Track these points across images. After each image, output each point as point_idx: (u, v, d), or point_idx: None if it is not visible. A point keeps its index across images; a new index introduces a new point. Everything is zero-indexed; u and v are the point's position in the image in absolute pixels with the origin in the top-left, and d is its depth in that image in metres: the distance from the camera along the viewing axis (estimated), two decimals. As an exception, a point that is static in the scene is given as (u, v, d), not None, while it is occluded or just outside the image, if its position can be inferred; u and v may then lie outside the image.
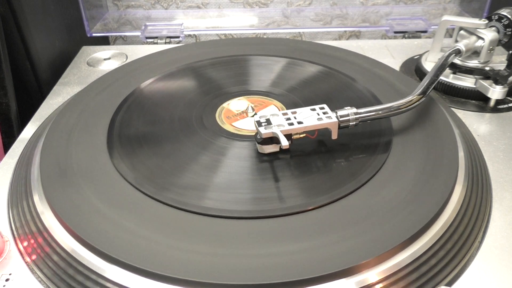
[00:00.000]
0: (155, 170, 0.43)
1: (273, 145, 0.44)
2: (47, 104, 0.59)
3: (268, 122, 0.43)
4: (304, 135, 0.44)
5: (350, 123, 0.44)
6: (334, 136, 0.44)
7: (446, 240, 0.37)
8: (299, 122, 0.43)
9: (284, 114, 0.44)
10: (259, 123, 0.43)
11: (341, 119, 0.44)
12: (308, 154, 0.44)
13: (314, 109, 0.45)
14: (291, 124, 0.43)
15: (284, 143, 0.41)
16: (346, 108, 0.45)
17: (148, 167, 0.43)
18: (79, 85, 0.63)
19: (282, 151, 0.44)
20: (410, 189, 0.40)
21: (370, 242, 0.35)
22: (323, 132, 0.45)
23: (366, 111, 0.45)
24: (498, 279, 0.35)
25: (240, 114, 0.51)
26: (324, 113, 0.44)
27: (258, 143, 0.44)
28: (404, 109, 0.46)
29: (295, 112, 0.44)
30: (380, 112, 0.45)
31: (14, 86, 0.61)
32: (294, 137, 0.44)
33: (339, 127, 0.44)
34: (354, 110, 0.44)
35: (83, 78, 0.65)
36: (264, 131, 0.42)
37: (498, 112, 0.55)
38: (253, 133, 0.46)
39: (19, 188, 0.43)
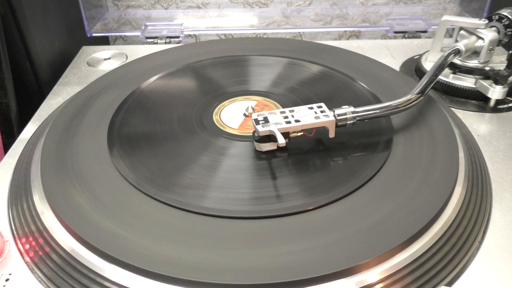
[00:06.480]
0: (155, 170, 0.43)
1: (271, 143, 0.44)
2: (47, 104, 0.59)
3: (266, 120, 0.43)
4: (302, 133, 0.44)
5: (348, 122, 0.44)
6: (331, 134, 0.44)
7: (446, 240, 0.37)
8: (297, 121, 0.43)
9: (282, 112, 0.44)
10: (256, 121, 0.43)
11: (338, 117, 0.44)
12: (306, 152, 0.44)
13: (311, 108, 0.45)
14: (289, 122, 0.43)
15: (281, 141, 0.41)
16: (344, 106, 0.45)
17: (148, 167, 0.43)
18: (79, 85, 0.63)
19: (280, 149, 0.44)
20: (410, 189, 0.40)
21: (370, 242, 0.35)
22: (322, 131, 0.45)
23: (363, 110, 0.45)
24: (498, 279, 0.35)
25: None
26: (321, 111, 0.44)
27: (256, 141, 0.44)
28: (402, 108, 0.46)
29: (292, 111, 0.44)
30: (378, 111, 0.45)
31: (14, 86, 0.61)
32: (292, 135, 0.44)
33: (337, 126, 0.44)
34: (352, 109, 0.44)
35: (83, 78, 0.65)
36: (261, 129, 0.42)
37: (498, 112, 0.55)
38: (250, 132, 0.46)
39: (19, 188, 0.43)
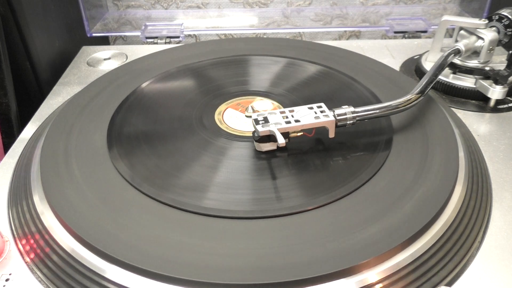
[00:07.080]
0: (154, 170, 0.43)
1: (271, 143, 0.44)
2: (47, 104, 0.59)
3: (266, 120, 0.43)
4: (302, 133, 0.44)
5: (348, 122, 0.44)
6: (331, 134, 0.44)
7: (446, 240, 0.37)
8: (296, 121, 0.43)
9: (282, 112, 0.44)
10: (256, 121, 0.43)
11: (338, 117, 0.44)
12: (306, 152, 0.44)
13: (311, 108, 0.45)
14: (288, 122, 0.43)
15: (281, 141, 0.41)
16: (343, 106, 0.45)
17: (148, 167, 0.43)
18: (79, 85, 0.63)
19: (280, 149, 0.44)
20: (410, 189, 0.40)
21: (370, 242, 0.35)
22: (322, 131, 0.44)
23: (363, 110, 0.45)
24: (498, 279, 0.35)
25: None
26: (321, 111, 0.44)
27: (256, 141, 0.44)
28: (402, 108, 0.46)
29: (292, 111, 0.45)
30: (377, 111, 0.45)
31: (14, 86, 0.61)
32: (292, 135, 0.44)
33: (336, 126, 0.44)
34: (352, 109, 0.44)
35: (83, 78, 0.65)
36: (261, 129, 0.42)
37: (498, 112, 0.55)
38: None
39: (19, 188, 0.43)
